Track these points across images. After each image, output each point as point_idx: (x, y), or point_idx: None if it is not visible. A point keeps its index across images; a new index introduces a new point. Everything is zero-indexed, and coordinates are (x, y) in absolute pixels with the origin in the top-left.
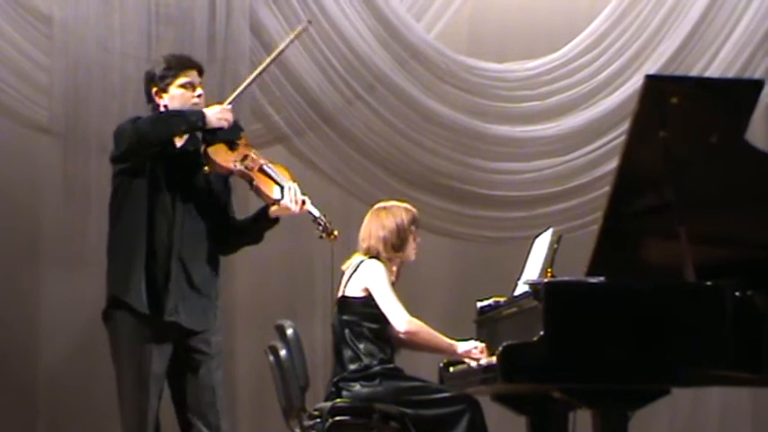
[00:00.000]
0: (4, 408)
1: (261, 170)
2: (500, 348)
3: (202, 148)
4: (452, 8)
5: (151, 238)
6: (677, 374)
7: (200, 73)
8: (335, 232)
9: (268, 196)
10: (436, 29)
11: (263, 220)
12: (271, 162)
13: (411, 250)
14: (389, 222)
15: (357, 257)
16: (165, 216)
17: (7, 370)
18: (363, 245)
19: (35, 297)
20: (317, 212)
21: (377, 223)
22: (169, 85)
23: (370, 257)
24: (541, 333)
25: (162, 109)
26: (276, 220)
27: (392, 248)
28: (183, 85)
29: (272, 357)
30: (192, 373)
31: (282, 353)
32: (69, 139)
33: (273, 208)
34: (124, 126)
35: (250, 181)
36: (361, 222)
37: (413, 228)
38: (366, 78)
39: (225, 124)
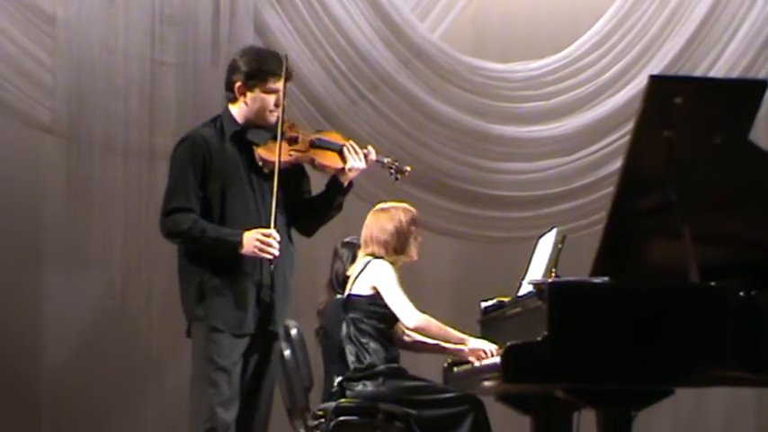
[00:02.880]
0: (8, 408)
1: (313, 145)
2: (504, 348)
3: (256, 154)
4: (456, 8)
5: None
6: (681, 374)
7: (288, 80)
8: (407, 168)
9: (333, 167)
10: (440, 29)
11: (336, 191)
12: (317, 132)
13: (413, 250)
14: (389, 225)
15: (364, 259)
16: (254, 226)
17: (10, 370)
18: (367, 249)
19: (38, 297)
20: (384, 159)
21: (377, 226)
22: (256, 86)
23: (376, 258)
24: (545, 333)
25: (241, 105)
26: (350, 186)
27: (394, 251)
28: (269, 91)
29: None
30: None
31: (287, 353)
32: (72, 139)
33: (344, 175)
34: (180, 222)
35: (311, 162)
36: (364, 222)
37: (413, 228)
38: (370, 78)
39: (262, 254)
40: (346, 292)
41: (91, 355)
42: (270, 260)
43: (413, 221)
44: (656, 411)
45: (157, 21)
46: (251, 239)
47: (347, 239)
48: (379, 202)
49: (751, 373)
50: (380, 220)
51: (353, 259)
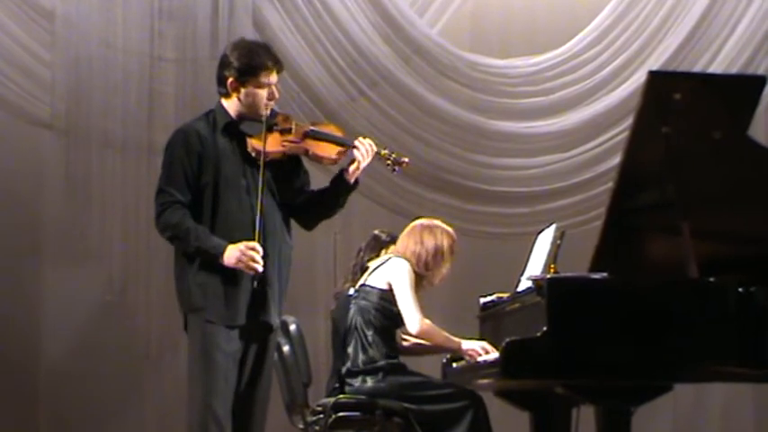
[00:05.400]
0: (6, 402)
1: (307, 136)
2: (503, 344)
3: (248, 144)
4: (455, 4)
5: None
6: (680, 370)
7: (279, 71)
8: (405, 159)
9: (327, 158)
10: (439, 25)
11: (343, 188)
12: (314, 124)
13: (438, 276)
14: (429, 242)
15: (387, 254)
16: (247, 217)
17: (9, 364)
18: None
19: (36, 292)
20: (381, 151)
21: (416, 239)
22: (248, 82)
23: (399, 256)
24: (544, 329)
25: (234, 100)
26: (356, 184)
27: (424, 266)
28: (262, 85)
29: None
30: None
31: (285, 349)
32: (71, 134)
33: (350, 172)
34: (170, 217)
35: (305, 153)
36: (364, 219)
37: (449, 256)
38: (369, 74)
39: (245, 268)
40: (360, 282)
41: (89, 350)
42: (253, 275)
43: (452, 250)
44: (655, 407)
45: (156, 16)
46: (234, 253)
47: (376, 232)
48: (378, 197)
49: (750, 369)
50: (422, 236)
51: (375, 250)
